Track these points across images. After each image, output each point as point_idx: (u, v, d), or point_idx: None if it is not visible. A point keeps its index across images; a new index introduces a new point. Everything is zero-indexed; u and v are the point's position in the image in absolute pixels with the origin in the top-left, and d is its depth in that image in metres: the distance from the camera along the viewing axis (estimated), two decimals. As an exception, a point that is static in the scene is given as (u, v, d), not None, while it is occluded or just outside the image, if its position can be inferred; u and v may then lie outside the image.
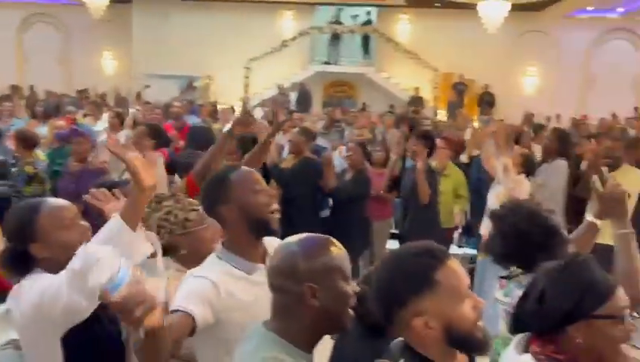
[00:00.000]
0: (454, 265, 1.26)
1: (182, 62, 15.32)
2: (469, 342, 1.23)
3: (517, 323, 1.40)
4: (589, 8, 14.79)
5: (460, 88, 15.62)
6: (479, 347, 1.24)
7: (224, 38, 15.60)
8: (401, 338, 1.30)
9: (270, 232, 1.76)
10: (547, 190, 4.50)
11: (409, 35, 16.55)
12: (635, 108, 14.79)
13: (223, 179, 1.76)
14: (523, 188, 3.95)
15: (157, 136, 4.33)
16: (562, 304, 1.31)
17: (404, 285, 1.22)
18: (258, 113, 9.83)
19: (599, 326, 1.30)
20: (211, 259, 1.74)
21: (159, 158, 4.28)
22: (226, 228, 1.76)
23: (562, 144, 4.57)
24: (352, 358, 1.99)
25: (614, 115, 13.88)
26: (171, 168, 4.20)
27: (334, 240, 1.40)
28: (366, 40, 16.34)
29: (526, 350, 1.35)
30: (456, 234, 5.62)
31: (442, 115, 14.67)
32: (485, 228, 4.00)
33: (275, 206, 1.79)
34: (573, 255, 1.43)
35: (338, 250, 1.38)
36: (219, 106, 10.58)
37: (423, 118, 11.60)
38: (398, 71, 16.36)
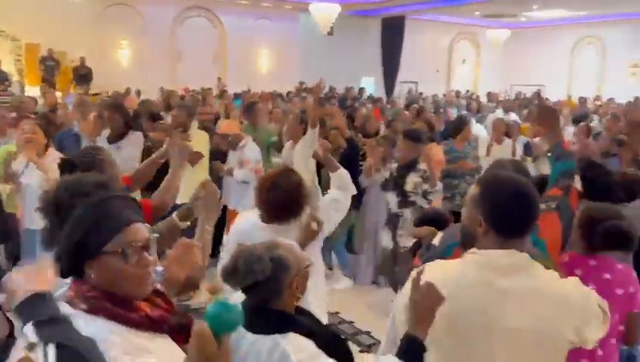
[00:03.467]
0: None
1: None
2: None
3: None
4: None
5: (49, 64, 14.30)
6: None
7: None
8: None
9: None
10: (124, 158, 4.61)
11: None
12: (218, 79, 16.68)
13: None
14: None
15: None
16: (70, 241, 1.30)
17: None
18: None
19: (107, 261, 1.30)
20: None
21: None
22: None
23: (133, 116, 4.71)
24: None
25: (203, 88, 15.33)
26: None
27: None
28: None
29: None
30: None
31: (34, 92, 13.17)
32: None
33: None
34: (99, 198, 1.38)
35: None
36: None
37: (7, 95, 10.22)
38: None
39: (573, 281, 1.60)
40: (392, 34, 19.59)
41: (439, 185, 4.61)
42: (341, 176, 2.85)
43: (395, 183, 4.56)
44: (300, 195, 2.51)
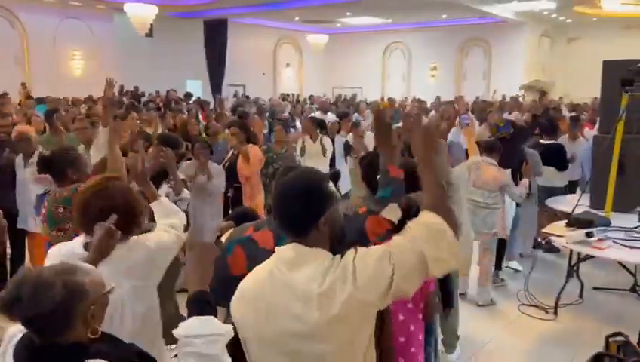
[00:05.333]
0: None
1: None
2: None
3: None
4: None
5: None
6: None
7: None
8: None
9: None
10: None
11: None
12: (23, 84, 14.95)
13: None
14: None
15: None
16: None
17: None
18: None
19: None
20: None
21: None
22: None
23: None
24: None
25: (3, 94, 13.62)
26: None
27: None
28: None
29: None
30: None
31: None
32: None
33: None
34: None
35: None
36: None
37: None
38: None
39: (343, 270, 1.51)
40: (215, 37, 19.41)
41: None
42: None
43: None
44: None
